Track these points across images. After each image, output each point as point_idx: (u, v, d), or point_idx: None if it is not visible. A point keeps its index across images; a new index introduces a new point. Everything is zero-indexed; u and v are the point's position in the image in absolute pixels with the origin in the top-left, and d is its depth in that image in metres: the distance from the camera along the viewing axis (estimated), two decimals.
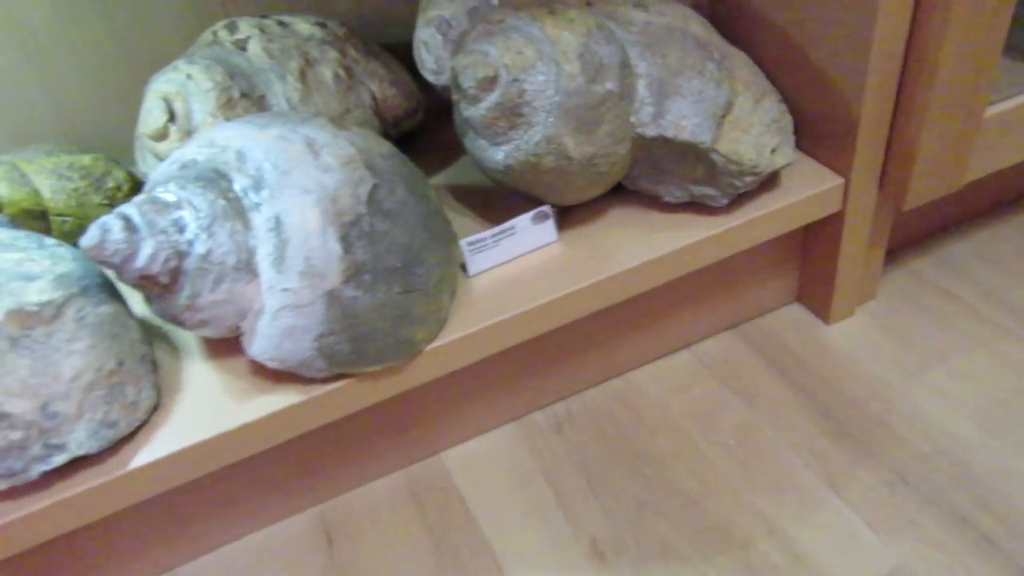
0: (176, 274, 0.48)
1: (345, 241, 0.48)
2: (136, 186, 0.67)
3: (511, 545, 0.56)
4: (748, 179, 0.56)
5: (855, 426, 0.60)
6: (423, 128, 0.74)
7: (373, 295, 0.49)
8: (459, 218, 0.63)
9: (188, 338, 0.56)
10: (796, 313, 0.70)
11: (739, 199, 0.59)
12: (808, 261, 0.68)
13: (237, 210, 0.49)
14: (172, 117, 0.60)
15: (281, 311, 0.48)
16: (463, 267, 0.57)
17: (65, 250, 0.51)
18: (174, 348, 0.55)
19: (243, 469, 0.56)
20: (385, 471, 0.61)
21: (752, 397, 0.63)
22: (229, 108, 0.60)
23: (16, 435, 0.45)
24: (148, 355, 0.51)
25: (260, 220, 0.48)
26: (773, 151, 0.57)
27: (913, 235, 0.75)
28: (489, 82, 0.53)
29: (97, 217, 0.58)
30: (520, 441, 0.63)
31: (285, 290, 0.48)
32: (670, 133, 0.54)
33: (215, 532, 0.58)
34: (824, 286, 0.68)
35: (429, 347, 0.52)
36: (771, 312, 0.71)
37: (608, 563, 0.54)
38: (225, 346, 0.54)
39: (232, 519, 0.58)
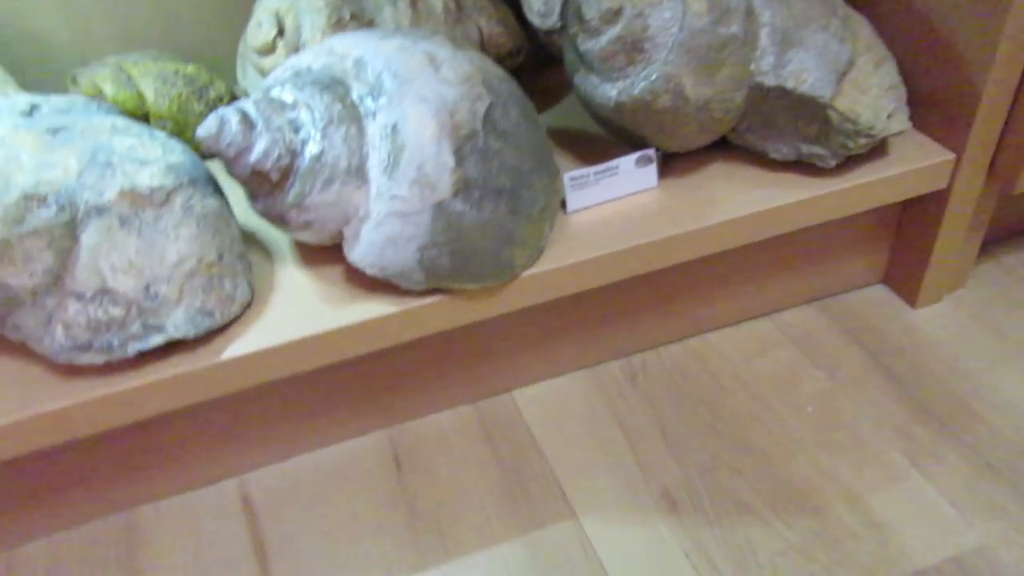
0: (287, 172, 0.48)
1: (459, 154, 0.48)
2: (235, 100, 0.67)
3: (581, 486, 0.55)
4: (861, 141, 0.55)
5: (941, 408, 0.59)
6: (520, 70, 0.73)
7: (480, 212, 0.49)
8: (558, 160, 0.62)
9: (282, 245, 0.56)
10: (881, 294, 0.69)
11: (846, 163, 0.58)
12: (902, 240, 0.67)
13: (353, 116, 0.48)
14: (281, 32, 0.60)
15: (388, 218, 0.48)
16: (562, 204, 0.56)
17: (175, 143, 0.51)
18: (268, 253, 0.55)
19: (320, 382, 0.56)
20: (455, 402, 0.61)
21: (833, 370, 0.62)
22: (339, 27, 0.60)
23: (117, 311, 0.45)
24: (245, 255, 0.51)
25: (375, 127, 0.48)
26: (889, 116, 0.56)
27: (1006, 227, 0.73)
28: (613, 15, 0.52)
29: (197, 125, 0.58)
30: (593, 388, 0.62)
31: (394, 197, 0.47)
32: (790, 84, 0.53)
33: (285, 443, 0.58)
34: (915, 268, 0.66)
35: (527, 273, 0.52)
36: (855, 291, 0.69)
37: (680, 512, 0.53)
38: (319, 254, 0.54)
39: (303, 432, 0.58)
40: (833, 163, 0.57)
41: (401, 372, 0.58)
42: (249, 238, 0.57)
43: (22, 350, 0.49)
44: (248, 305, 0.50)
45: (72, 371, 0.47)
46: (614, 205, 0.57)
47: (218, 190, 0.51)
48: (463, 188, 0.48)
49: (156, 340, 0.46)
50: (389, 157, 0.47)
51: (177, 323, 0.46)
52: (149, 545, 0.54)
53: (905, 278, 0.68)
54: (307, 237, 0.50)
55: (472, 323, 0.57)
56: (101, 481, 0.54)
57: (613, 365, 0.64)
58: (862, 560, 0.50)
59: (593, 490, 0.55)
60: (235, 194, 0.58)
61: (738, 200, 0.57)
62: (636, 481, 0.55)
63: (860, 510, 0.53)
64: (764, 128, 0.57)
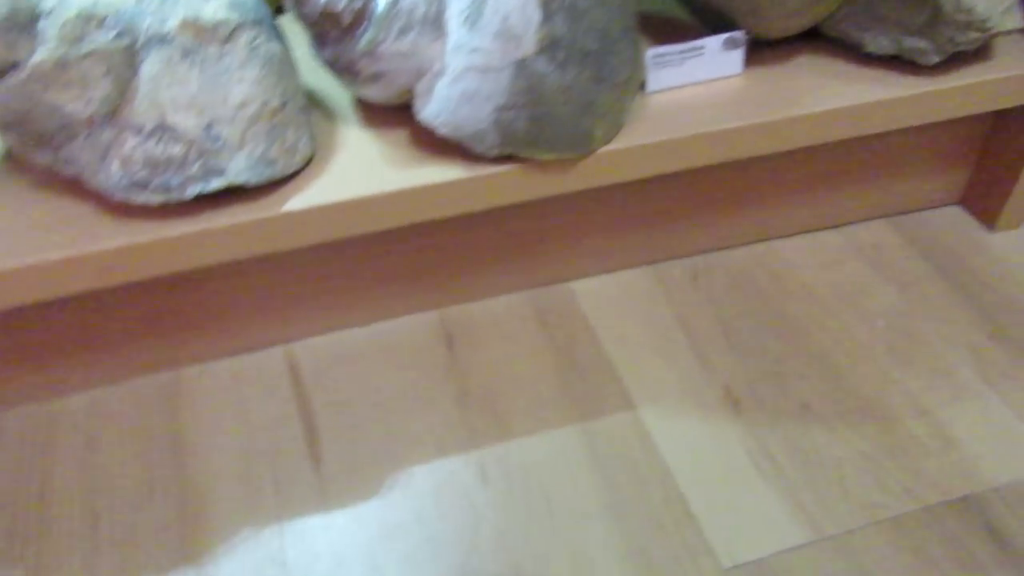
0: (360, 16, 0.44)
1: (546, 9, 0.44)
2: None
3: (640, 379, 0.53)
4: (972, 35, 0.51)
5: (1018, 331, 0.56)
6: None
7: (563, 74, 0.45)
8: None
9: (343, 105, 0.53)
10: (956, 215, 0.65)
11: (946, 62, 0.54)
12: (987, 158, 0.63)
13: None
14: None
15: (466, 73, 0.44)
16: (640, 84, 0.53)
17: None
18: (328, 113, 0.52)
19: (374, 253, 0.54)
20: (510, 288, 0.59)
21: (904, 286, 0.59)
22: None
23: (177, 149, 0.43)
24: (307, 108, 0.48)
25: None
26: (1004, 11, 0.52)
27: None
28: None
29: None
30: (653, 285, 0.60)
31: (475, 50, 0.44)
32: None
33: (334, 313, 0.56)
34: (998, 189, 0.63)
35: (604, 149, 0.49)
36: (930, 209, 0.66)
37: (742, 412, 0.51)
38: (382, 115, 0.51)
39: (353, 304, 0.56)
40: (935, 59, 0.53)
41: (456, 252, 0.56)
42: (309, 97, 0.54)
43: (74, 188, 0.46)
44: (309, 160, 0.48)
45: (126, 211, 0.45)
46: (695, 89, 0.53)
47: (281, 36, 0.48)
48: (548, 46, 0.45)
49: (216, 184, 0.43)
50: (472, 7, 0.44)
51: (239, 168, 0.44)
52: (192, 406, 0.52)
53: (985, 200, 0.64)
54: (374, 92, 0.47)
55: (535, 203, 0.55)
56: (145, 338, 0.52)
57: (674, 264, 0.61)
58: (931, 472, 0.48)
59: (652, 384, 0.53)
60: (297, 52, 0.55)
61: (827, 94, 0.53)
62: (697, 379, 0.53)
63: (930, 423, 0.50)
64: (865, 16, 0.53)
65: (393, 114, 0.51)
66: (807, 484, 0.47)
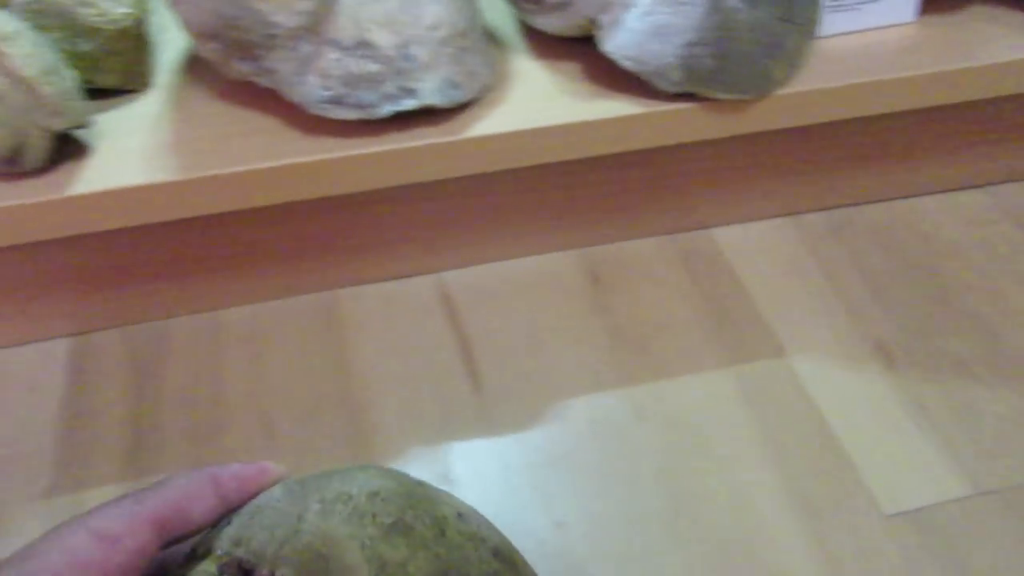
0: None
1: None
2: None
3: (789, 328, 0.53)
4: None
5: None
6: None
7: (754, 11, 0.45)
8: None
9: (513, 38, 0.52)
10: None
11: None
12: None
13: None
14: None
15: (657, 5, 0.44)
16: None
17: None
18: (500, 45, 0.52)
19: (528, 187, 0.54)
20: (653, 232, 0.59)
21: None
22: None
23: (374, 67, 0.43)
24: (486, 35, 0.48)
25: None
26: None
27: None
28: None
29: None
30: (795, 236, 0.59)
31: None
32: None
33: (483, 246, 0.56)
34: None
35: (780, 91, 0.48)
36: None
37: (895, 366, 0.51)
38: (554, 49, 0.51)
39: (501, 239, 0.56)
40: None
41: (604, 192, 0.56)
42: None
43: (260, 102, 0.47)
44: (489, 88, 0.48)
45: (313, 127, 0.45)
46: (868, 35, 0.52)
47: None
48: None
49: (408, 103, 0.44)
50: None
51: (429, 89, 0.44)
52: (350, 327, 0.54)
53: None
54: (553, 22, 0.47)
55: (685, 146, 0.54)
56: (305, 257, 0.54)
57: (815, 217, 0.61)
58: None
59: (802, 333, 0.53)
60: None
61: (1003, 44, 0.52)
62: (847, 330, 0.53)
63: None
64: None
65: (564, 47, 0.51)
66: (966, 439, 0.47)
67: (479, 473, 0.46)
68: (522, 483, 0.46)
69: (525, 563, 0.32)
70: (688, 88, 0.46)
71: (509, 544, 0.32)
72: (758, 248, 0.59)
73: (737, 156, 0.56)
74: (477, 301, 0.55)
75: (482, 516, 0.33)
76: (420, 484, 0.32)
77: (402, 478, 0.31)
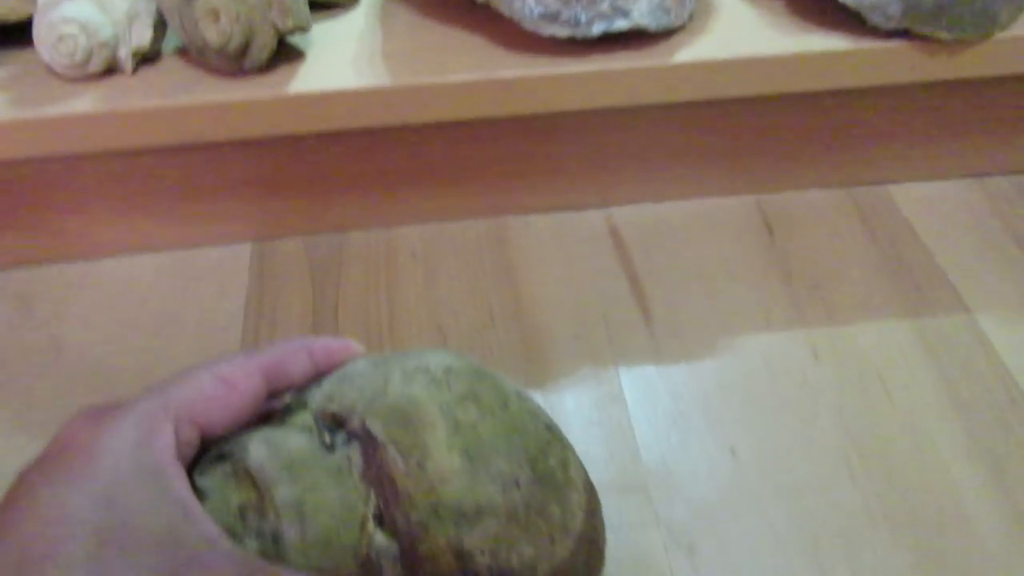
0: None
1: None
2: None
3: (973, 285, 0.51)
4: None
5: None
6: None
7: None
8: None
9: None
10: None
11: None
12: None
13: None
14: None
15: None
16: None
17: None
18: None
19: (703, 126, 0.54)
20: (828, 184, 0.58)
21: None
22: None
23: None
24: None
25: None
26: None
27: None
28: None
29: None
30: (978, 198, 0.57)
31: None
32: None
33: (654, 184, 0.56)
34: None
35: (1001, 35, 0.46)
36: None
37: None
38: None
39: (673, 178, 0.56)
40: None
41: (780, 138, 0.55)
42: None
43: (474, 19, 0.48)
44: (694, 17, 0.48)
45: (524, 44, 0.46)
46: None
47: None
48: None
49: (621, 24, 0.44)
50: None
51: (642, 11, 0.45)
52: (520, 251, 0.55)
53: None
54: None
55: (867, 95, 0.53)
56: (479, 180, 0.55)
57: (1001, 180, 0.58)
58: None
59: (988, 292, 0.51)
60: None
61: None
62: None
63: None
64: None
65: None
66: None
67: (649, 397, 0.47)
68: (693, 409, 0.46)
69: (570, 444, 0.36)
70: (905, 25, 0.45)
71: (557, 425, 0.36)
72: (938, 207, 0.57)
73: (921, 109, 0.55)
74: (647, 238, 0.55)
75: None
76: (485, 368, 0.35)
77: (471, 361, 0.35)
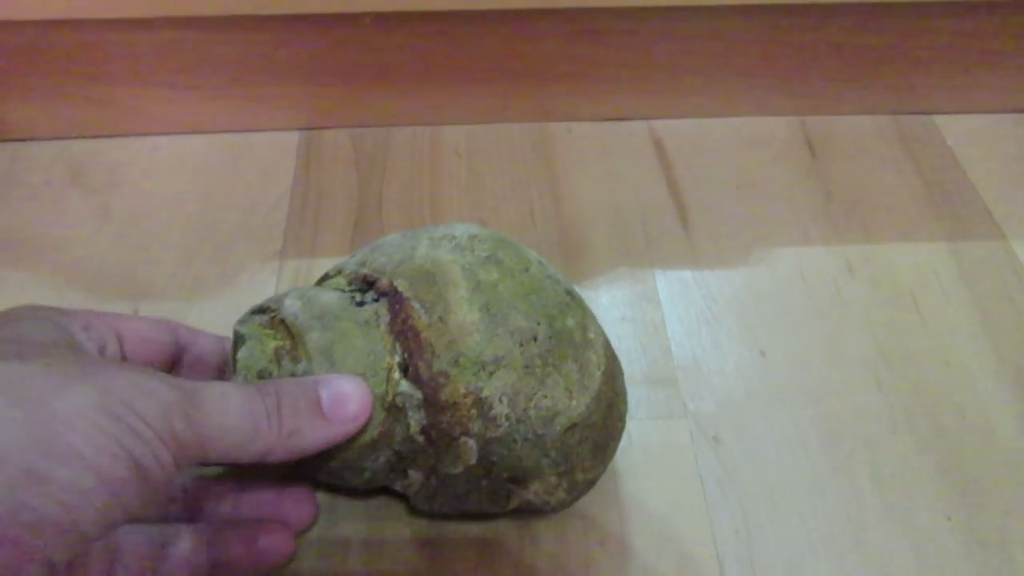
0: None
1: None
2: None
3: (1012, 214, 0.52)
4: None
5: None
6: None
7: None
8: None
9: None
10: None
11: None
12: None
13: None
14: None
15: None
16: None
17: None
18: None
19: (753, 37, 0.53)
20: (871, 110, 0.58)
21: None
22: None
23: None
24: None
25: None
26: None
27: None
28: None
29: None
30: (1022, 131, 0.57)
31: None
32: None
33: (698, 99, 0.56)
34: None
35: None
36: None
37: None
38: None
39: (716, 94, 0.56)
40: None
41: (822, 59, 0.55)
42: None
43: None
44: None
45: None
46: None
47: None
48: None
49: None
50: None
51: None
52: (561, 155, 0.55)
53: None
54: None
55: (918, 20, 0.52)
56: (522, 84, 0.55)
57: None
58: None
59: None
60: None
61: None
62: None
63: None
64: None
65: None
66: None
67: (683, 298, 0.47)
68: (725, 312, 0.47)
69: (591, 312, 0.37)
70: None
71: (579, 294, 0.37)
72: (982, 139, 0.57)
73: (974, 40, 0.54)
74: (689, 150, 0.56)
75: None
76: (510, 239, 0.37)
77: (496, 232, 0.37)
